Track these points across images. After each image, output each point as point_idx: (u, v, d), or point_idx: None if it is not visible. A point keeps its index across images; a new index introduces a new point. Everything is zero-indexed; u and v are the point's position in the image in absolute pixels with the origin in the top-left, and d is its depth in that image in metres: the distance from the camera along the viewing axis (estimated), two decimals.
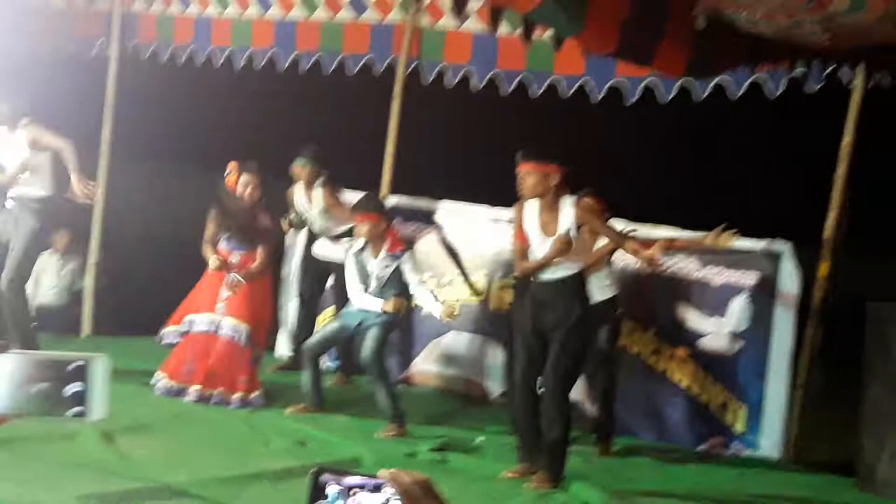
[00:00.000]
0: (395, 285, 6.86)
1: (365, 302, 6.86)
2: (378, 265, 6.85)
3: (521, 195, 5.82)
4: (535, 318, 5.87)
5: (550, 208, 5.79)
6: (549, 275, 5.86)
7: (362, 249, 6.89)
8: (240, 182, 7.17)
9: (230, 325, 7.06)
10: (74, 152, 7.10)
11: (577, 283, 5.93)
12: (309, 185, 7.93)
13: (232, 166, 7.23)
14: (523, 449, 6.00)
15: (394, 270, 6.84)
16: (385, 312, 6.78)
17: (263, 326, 7.34)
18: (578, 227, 5.77)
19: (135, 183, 10.43)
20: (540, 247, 5.83)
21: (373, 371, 6.81)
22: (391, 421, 6.75)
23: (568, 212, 5.76)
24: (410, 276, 6.85)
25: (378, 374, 6.80)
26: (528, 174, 5.72)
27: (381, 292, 6.84)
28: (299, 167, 7.90)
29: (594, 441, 6.78)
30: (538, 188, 5.73)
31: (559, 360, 5.79)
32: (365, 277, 6.90)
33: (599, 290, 6.49)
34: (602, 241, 6.54)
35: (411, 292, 6.99)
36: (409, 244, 7.06)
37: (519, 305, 6.14)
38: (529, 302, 5.93)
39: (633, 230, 6.71)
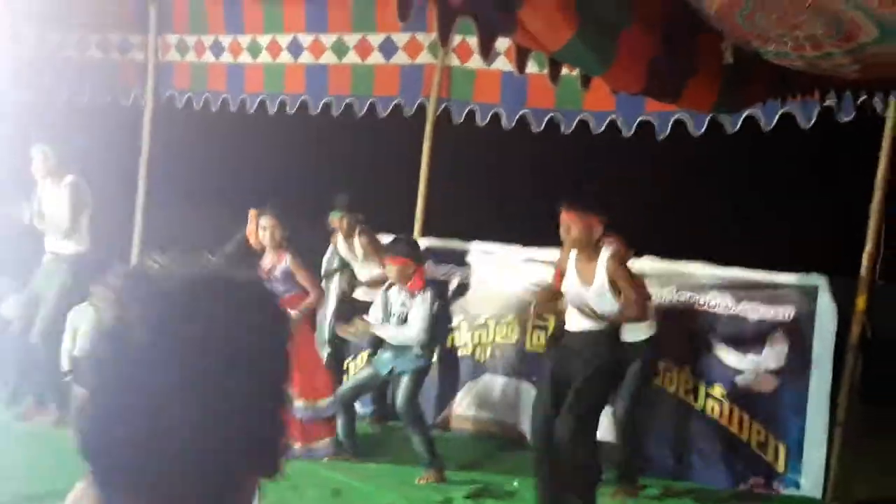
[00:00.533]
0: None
1: (384, 331, 6.88)
2: (397, 302, 6.88)
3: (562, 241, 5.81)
4: (561, 366, 5.83)
5: (589, 258, 5.77)
6: (576, 326, 5.83)
7: (389, 287, 6.92)
8: (260, 226, 7.15)
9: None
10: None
11: (606, 335, 5.86)
12: (348, 236, 7.97)
13: (251, 214, 7.23)
14: (545, 494, 5.90)
15: (410, 308, 6.85)
16: (417, 357, 6.78)
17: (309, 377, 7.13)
18: (612, 282, 5.73)
19: (172, 229, 10.52)
20: (576, 294, 5.80)
21: (407, 418, 6.79)
22: (427, 467, 6.72)
23: (603, 265, 5.73)
24: (412, 315, 6.81)
25: (412, 421, 6.79)
26: (572, 224, 5.70)
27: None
28: (336, 219, 7.94)
29: (617, 482, 6.68)
30: (581, 240, 5.71)
31: (572, 406, 5.73)
32: (388, 314, 6.91)
33: (631, 331, 6.43)
34: None
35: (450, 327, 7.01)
36: (431, 284, 7.02)
37: (551, 354, 6.14)
38: (559, 351, 5.91)
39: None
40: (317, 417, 6.97)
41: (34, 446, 6.63)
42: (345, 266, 8.13)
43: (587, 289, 5.75)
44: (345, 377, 8.40)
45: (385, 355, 6.94)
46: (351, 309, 7.80)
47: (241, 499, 1.23)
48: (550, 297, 5.94)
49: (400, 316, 6.87)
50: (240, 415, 1.17)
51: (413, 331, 6.78)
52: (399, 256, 6.85)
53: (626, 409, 6.63)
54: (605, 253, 5.75)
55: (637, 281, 6.03)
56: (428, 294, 6.87)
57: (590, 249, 5.75)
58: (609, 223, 5.82)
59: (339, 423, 7.02)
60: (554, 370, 5.88)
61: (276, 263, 7.10)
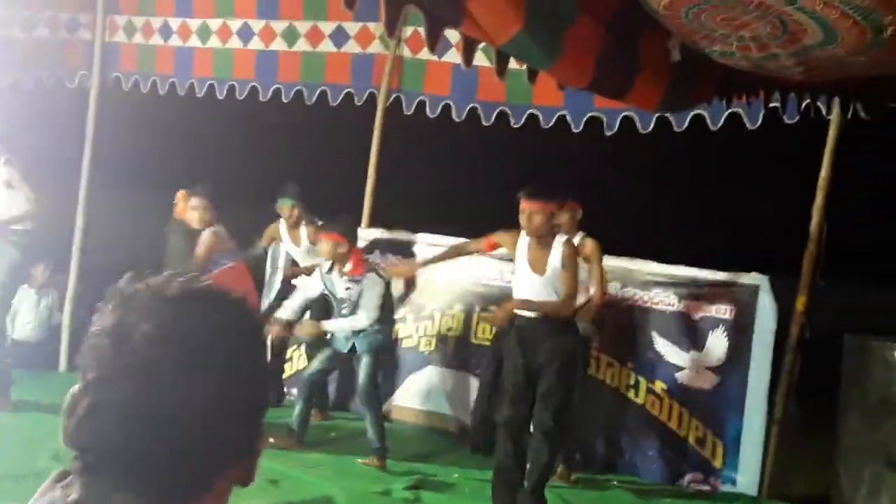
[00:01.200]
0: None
1: (335, 327, 6.86)
2: (340, 286, 6.85)
3: (524, 231, 5.83)
4: (524, 355, 5.84)
5: (543, 246, 5.80)
6: (533, 312, 5.85)
7: (329, 270, 6.89)
8: (190, 205, 7.10)
9: None
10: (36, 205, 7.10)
11: (563, 321, 5.91)
12: (294, 225, 7.93)
13: (179, 195, 7.17)
14: (502, 488, 5.91)
15: (358, 294, 6.81)
16: (374, 331, 6.76)
17: None
18: (563, 266, 5.79)
19: (115, 214, 10.40)
20: (527, 283, 5.83)
21: (365, 396, 6.81)
22: (374, 451, 6.73)
23: (557, 251, 5.77)
24: (363, 301, 6.78)
25: (369, 400, 6.81)
26: (534, 213, 5.73)
27: (351, 315, 6.83)
28: (283, 207, 7.89)
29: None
30: (544, 227, 5.75)
31: (548, 399, 5.77)
32: (333, 298, 6.88)
33: None
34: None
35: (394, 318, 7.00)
36: (371, 269, 6.99)
37: (506, 344, 6.14)
38: (515, 339, 5.91)
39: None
40: None
41: None
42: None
43: (538, 276, 5.77)
44: (286, 366, 8.38)
45: (342, 335, 6.91)
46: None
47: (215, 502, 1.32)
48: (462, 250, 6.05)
49: (349, 299, 6.83)
50: (221, 420, 1.26)
51: (363, 318, 6.75)
52: (332, 233, 6.79)
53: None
54: (560, 240, 5.79)
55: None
56: (373, 276, 6.85)
57: (548, 238, 5.79)
58: (561, 209, 5.91)
59: (296, 409, 6.98)
60: (515, 361, 5.88)
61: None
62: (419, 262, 7.24)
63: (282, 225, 8.03)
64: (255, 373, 1.34)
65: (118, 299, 1.29)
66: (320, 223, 7.36)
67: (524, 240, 5.85)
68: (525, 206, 5.76)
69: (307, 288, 7.08)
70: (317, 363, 7.10)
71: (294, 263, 8.07)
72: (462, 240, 7.80)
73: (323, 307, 7.31)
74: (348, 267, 6.80)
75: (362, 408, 6.93)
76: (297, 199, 7.87)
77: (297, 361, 8.35)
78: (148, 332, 1.23)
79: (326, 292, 6.95)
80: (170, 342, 1.24)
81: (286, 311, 7.13)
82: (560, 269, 5.74)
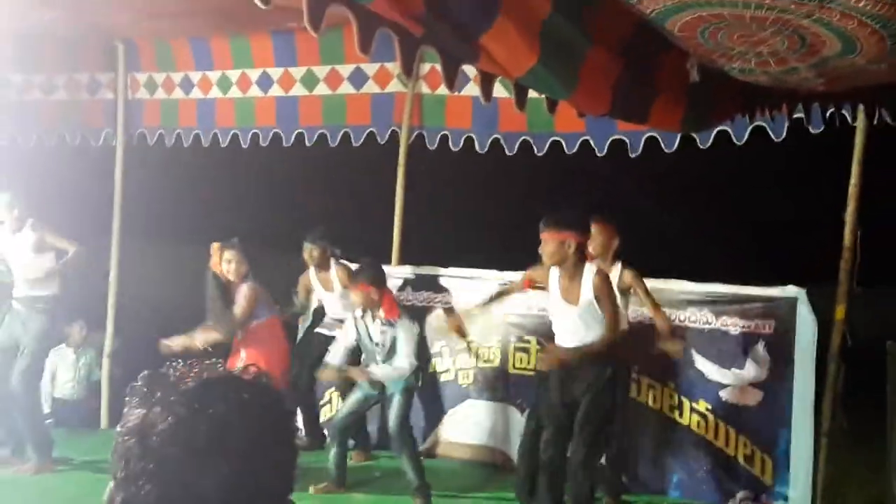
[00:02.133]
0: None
1: (381, 373, 6.83)
2: (376, 330, 6.85)
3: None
4: (562, 386, 5.82)
5: (571, 276, 5.79)
6: (571, 342, 5.82)
7: (363, 315, 6.89)
8: (224, 259, 7.16)
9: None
10: (81, 254, 7.15)
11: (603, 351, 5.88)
12: (322, 269, 7.91)
13: (214, 248, 7.22)
14: None
15: (392, 337, 6.82)
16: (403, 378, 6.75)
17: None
18: (597, 298, 5.76)
19: (147, 268, 10.47)
20: (561, 314, 5.81)
21: (399, 440, 6.79)
22: (415, 492, 6.69)
23: (588, 280, 5.75)
24: (400, 346, 6.80)
25: (403, 443, 6.78)
26: (546, 242, 5.76)
27: (387, 358, 6.82)
28: (310, 251, 7.87)
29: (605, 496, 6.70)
30: (556, 256, 5.74)
31: (586, 424, 5.75)
32: (368, 342, 6.87)
33: None
34: None
35: (428, 357, 6.98)
36: (404, 311, 7.00)
37: (544, 375, 6.11)
38: (556, 373, 5.88)
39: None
40: None
41: (16, 496, 6.56)
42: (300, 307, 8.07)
43: (572, 307, 5.75)
44: (325, 409, 8.36)
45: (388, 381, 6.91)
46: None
47: None
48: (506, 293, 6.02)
49: (382, 344, 6.83)
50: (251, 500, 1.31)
51: (405, 362, 6.77)
52: (361, 283, 6.82)
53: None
54: (591, 270, 5.78)
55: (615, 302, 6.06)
56: (406, 320, 6.86)
57: (570, 267, 5.76)
58: (585, 239, 5.87)
59: (331, 453, 6.98)
60: (553, 393, 5.86)
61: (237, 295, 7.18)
62: (467, 310, 7.18)
63: (311, 272, 8.01)
64: (274, 461, 1.36)
65: (140, 396, 1.33)
66: (351, 265, 7.35)
67: (554, 271, 5.84)
68: (541, 235, 5.81)
69: (345, 336, 7.06)
70: (346, 407, 7.11)
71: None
72: (493, 272, 7.84)
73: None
74: (381, 312, 6.81)
75: (396, 448, 6.89)
76: (317, 242, 7.83)
77: (335, 404, 8.32)
78: (165, 430, 1.28)
79: (360, 337, 6.94)
80: (186, 439, 1.28)
81: (333, 359, 7.09)
82: (593, 300, 5.72)
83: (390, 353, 6.82)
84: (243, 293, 7.08)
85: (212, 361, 1.39)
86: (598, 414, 5.76)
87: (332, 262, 7.86)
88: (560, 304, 5.82)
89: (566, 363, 5.83)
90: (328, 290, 7.94)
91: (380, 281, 6.93)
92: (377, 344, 6.85)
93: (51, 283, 7.26)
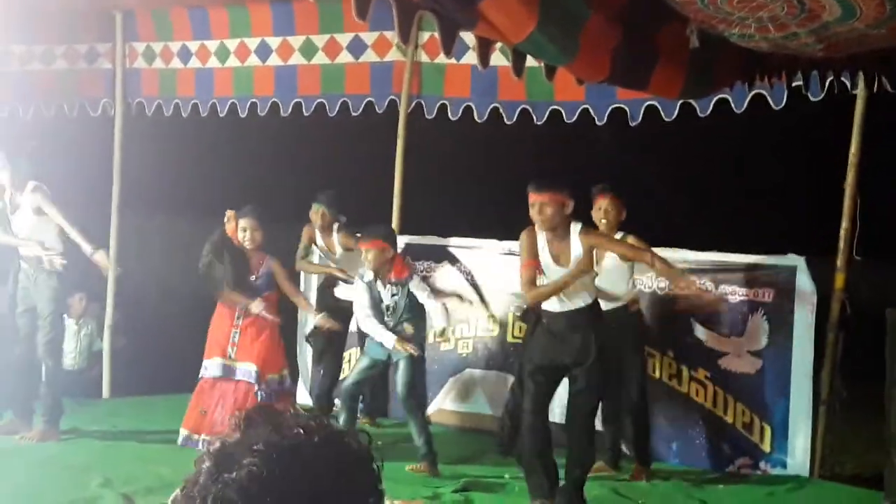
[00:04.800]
0: (410, 313, 6.86)
1: (376, 332, 6.83)
2: (387, 294, 6.84)
3: (536, 225, 5.76)
4: (550, 351, 5.81)
5: (561, 238, 5.75)
6: (564, 306, 5.80)
7: (374, 279, 6.88)
8: (238, 227, 7.15)
9: (244, 370, 7.06)
10: (77, 230, 7.12)
11: (594, 313, 5.88)
12: (326, 231, 7.85)
13: (229, 215, 7.21)
14: (538, 484, 5.86)
15: (405, 298, 6.82)
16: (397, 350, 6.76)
17: (273, 368, 7.24)
18: (595, 246, 5.76)
19: (147, 239, 10.47)
20: (551, 276, 5.78)
21: (408, 405, 6.79)
22: (422, 457, 6.72)
23: (576, 240, 5.72)
24: (419, 293, 6.82)
25: (412, 408, 6.79)
26: (544, 205, 5.65)
27: (398, 322, 6.82)
28: (316, 212, 7.82)
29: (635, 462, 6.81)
30: (555, 219, 5.67)
31: (584, 399, 5.75)
32: (378, 307, 6.87)
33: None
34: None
35: (427, 313, 6.95)
36: (413, 271, 7.01)
37: (530, 339, 6.07)
38: (543, 335, 5.86)
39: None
40: (271, 392, 7.06)
41: (18, 464, 6.58)
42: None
43: (563, 269, 5.72)
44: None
45: (375, 342, 6.91)
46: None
47: None
48: (531, 284, 5.88)
49: (393, 308, 6.83)
50: None
51: (438, 311, 6.84)
52: (376, 240, 6.78)
53: (639, 393, 6.69)
54: (576, 228, 5.73)
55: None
56: (416, 278, 6.89)
57: (562, 229, 5.72)
58: (577, 199, 5.81)
59: (342, 419, 6.97)
60: (539, 357, 5.85)
61: (258, 265, 7.19)
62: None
63: (315, 231, 7.95)
64: None
65: (239, 422, 1.35)
66: (358, 235, 7.34)
67: (542, 236, 5.79)
68: (534, 198, 5.68)
69: (361, 302, 7.01)
70: (354, 373, 7.10)
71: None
72: (493, 241, 7.85)
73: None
74: (392, 276, 6.81)
75: (405, 415, 6.91)
76: (328, 205, 7.79)
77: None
78: (236, 476, 1.28)
79: (372, 303, 6.90)
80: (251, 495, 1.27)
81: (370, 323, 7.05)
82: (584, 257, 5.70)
83: (403, 316, 6.82)
84: (278, 272, 7.21)
85: (327, 422, 1.39)
86: (592, 388, 5.75)
87: (335, 227, 7.78)
88: (550, 266, 5.77)
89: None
90: (332, 252, 7.89)
91: (392, 239, 6.93)
92: (388, 307, 6.85)
93: (55, 243, 7.21)
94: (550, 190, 5.66)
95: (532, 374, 5.85)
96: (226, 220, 7.21)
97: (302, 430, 1.33)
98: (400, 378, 6.80)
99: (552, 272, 5.76)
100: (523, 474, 6.02)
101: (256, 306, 7.07)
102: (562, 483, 5.83)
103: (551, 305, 5.83)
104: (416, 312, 6.90)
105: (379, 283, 6.86)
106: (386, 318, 6.85)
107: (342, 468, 1.34)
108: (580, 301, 5.79)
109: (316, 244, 8.03)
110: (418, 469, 6.71)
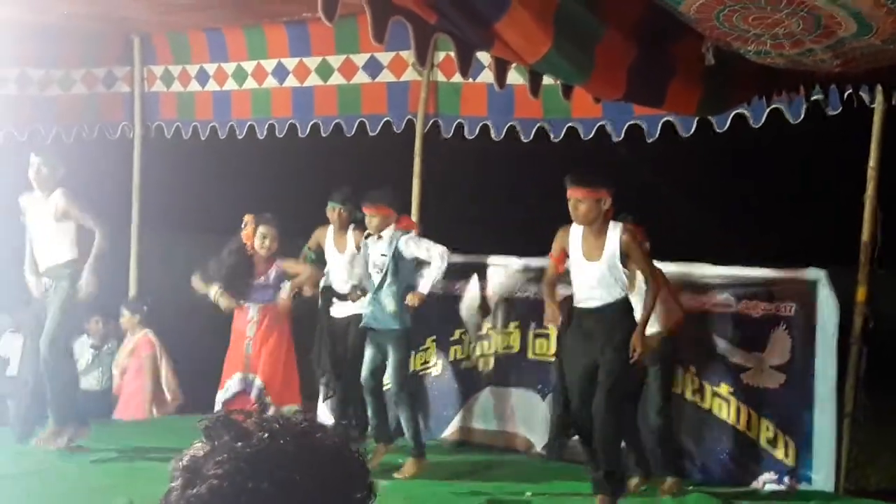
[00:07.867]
0: (397, 277, 6.72)
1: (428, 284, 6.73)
2: (376, 253, 6.74)
3: (573, 219, 5.78)
4: (584, 351, 5.83)
5: (596, 234, 5.76)
6: (592, 302, 5.81)
7: (367, 237, 6.83)
8: (257, 233, 7.16)
9: (258, 385, 7.08)
10: (105, 239, 7.09)
11: (623, 308, 5.87)
12: (341, 230, 7.73)
13: (248, 219, 7.20)
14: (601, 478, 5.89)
15: (393, 259, 6.68)
16: (393, 318, 6.66)
17: (279, 380, 7.21)
18: (624, 256, 5.75)
19: (167, 260, 10.50)
20: (582, 272, 5.79)
21: (397, 398, 6.73)
22: (412, 454, 6.68)
23: (614, 237, 5.72)
24: (415, 250, 6.69)
25: (401, 402, 6.72)
26: (580, 200, 5.68)
27: (377, 288, 6.71)
28: (333, 211, 7.57)
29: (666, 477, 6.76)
30: (591, 214, 5.69)
31: (603, 382, 5.77)
32: (367, 270, 6.80)
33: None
34: None
35: (420, 274, 6.84)
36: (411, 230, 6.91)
37: (565, 339, 6.08)
38: (577, 334, 5.87)
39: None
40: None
41: (35, 484, 6.59)
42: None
43: (594, 264, 5.72)
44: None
45: (370, 324, 6.82)
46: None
47: None
48: (550, 280, 5.93)
49: (380, 268, 6.69)
50: None
51: (437, 258, 6.65)
52: (381, 206, 6.68)
53: (658, 410, 6.65)
54: (617, 227, 5.74)
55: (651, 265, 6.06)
56: (412, 235, 6.76)
57: (598, 224, 5.73)
58: (615, 195, 5.81)
59: (370, 410, 6.91)
60: (576, 359, 5.86)
61: (267, 268, 7.21)
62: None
63: (329, 230, 7.80)
64: None
65: (205, 432, 1.33)
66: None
67: (576, 230, 5.80)
68: (571, 193, 5.72)
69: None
70: (366, 365, 6.88)
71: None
72: (512, 258, 7.84)
73: None
74: (388, 231, 6.72)
75: (394, 408, 6.81)
76: (343, 202, 7.50)
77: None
78: (205, 490, 1.27)
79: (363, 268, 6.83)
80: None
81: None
82: (618, 257, 5.69)
83: (388, 278, 6.69)
84: (287, 265, 7.22)
85: (296, 420, 1.35)
86: (618, 368, 5.74)
87: (351, 226, 7.60)
88: (581, 262, 5.78)
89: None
90: (340, 252, 7.68)
91: (397, 203, 6.89)
92: (376, 266, 6.71)
93: (71, 249, 7.14)
94: (586, 186, 5.68)
95: (571, 376, 5.91)
96: (243, 224, 7.22)
97: (267, 434, 1.31)
98: (390, 366, 6.72)
99: (582, 267, 5.76)
100: (589, 469, 6.03)
101: (213, 292, 7.12)
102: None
103: (581, 300, 5.85)
104: (403, 275, 6.76)
105: (372, 240, 6.78)
106: (373, 282, 6.74)
107: (315, 466, 1.31)
108: (610, 297, 5.80)
109: (323, 248, 7.84)
110: (406, 473, 6.63)
